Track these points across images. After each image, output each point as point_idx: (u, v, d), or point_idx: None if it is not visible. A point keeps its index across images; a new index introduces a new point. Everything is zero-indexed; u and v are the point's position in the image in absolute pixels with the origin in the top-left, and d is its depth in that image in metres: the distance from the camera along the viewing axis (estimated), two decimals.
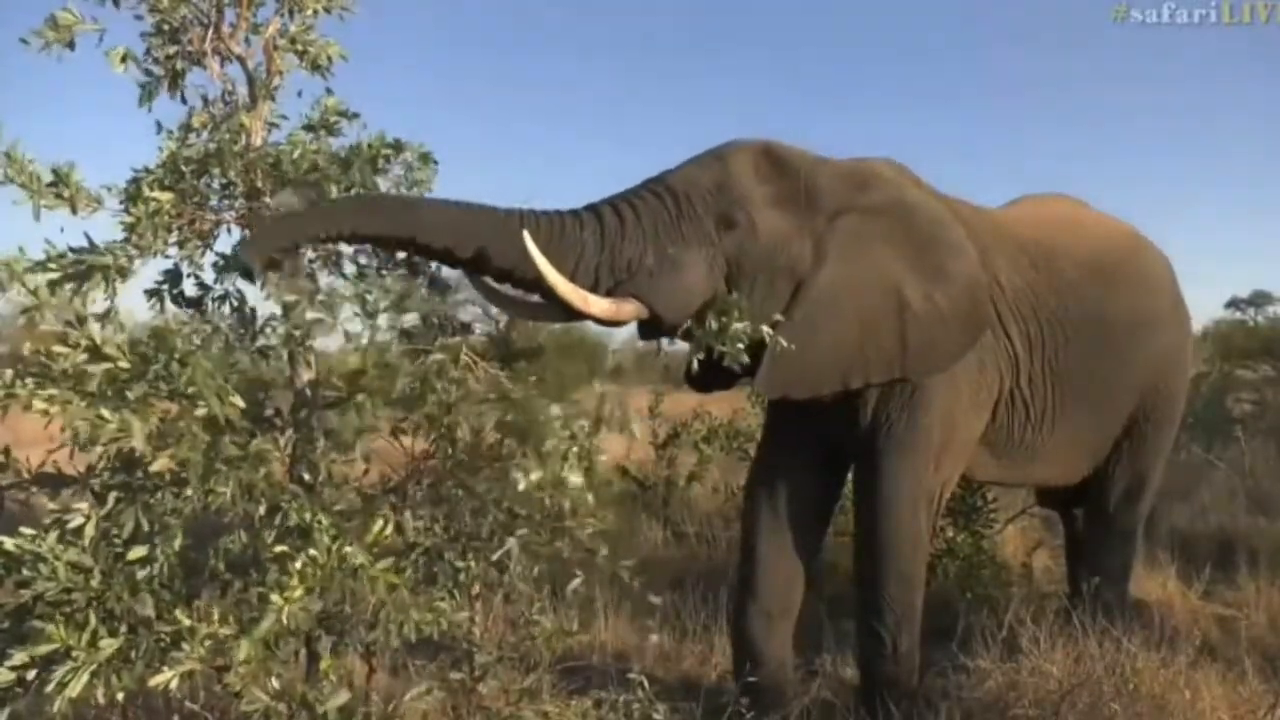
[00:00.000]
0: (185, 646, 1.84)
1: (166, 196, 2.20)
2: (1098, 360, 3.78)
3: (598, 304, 2.75)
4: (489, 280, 2.78)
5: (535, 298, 2.82)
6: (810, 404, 3.25)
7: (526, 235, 2.58)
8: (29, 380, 1.88)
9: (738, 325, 2.73)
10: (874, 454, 3.32)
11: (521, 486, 2.05)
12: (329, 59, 2.44)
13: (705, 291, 2.90)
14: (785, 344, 2.83)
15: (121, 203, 2.23)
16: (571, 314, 2.78)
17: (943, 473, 3.43)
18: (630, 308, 2.81)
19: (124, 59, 2.25)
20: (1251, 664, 3.10)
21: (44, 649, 1.82)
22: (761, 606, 3.46)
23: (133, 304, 2.69)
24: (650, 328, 2.95)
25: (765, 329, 2.80)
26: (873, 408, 3.32)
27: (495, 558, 2.25)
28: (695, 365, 2.83)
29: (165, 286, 2.35)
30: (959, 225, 3.33)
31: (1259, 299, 23.51)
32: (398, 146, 2.49)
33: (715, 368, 2.87)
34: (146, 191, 2.18)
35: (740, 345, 2.72)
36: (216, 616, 1.90)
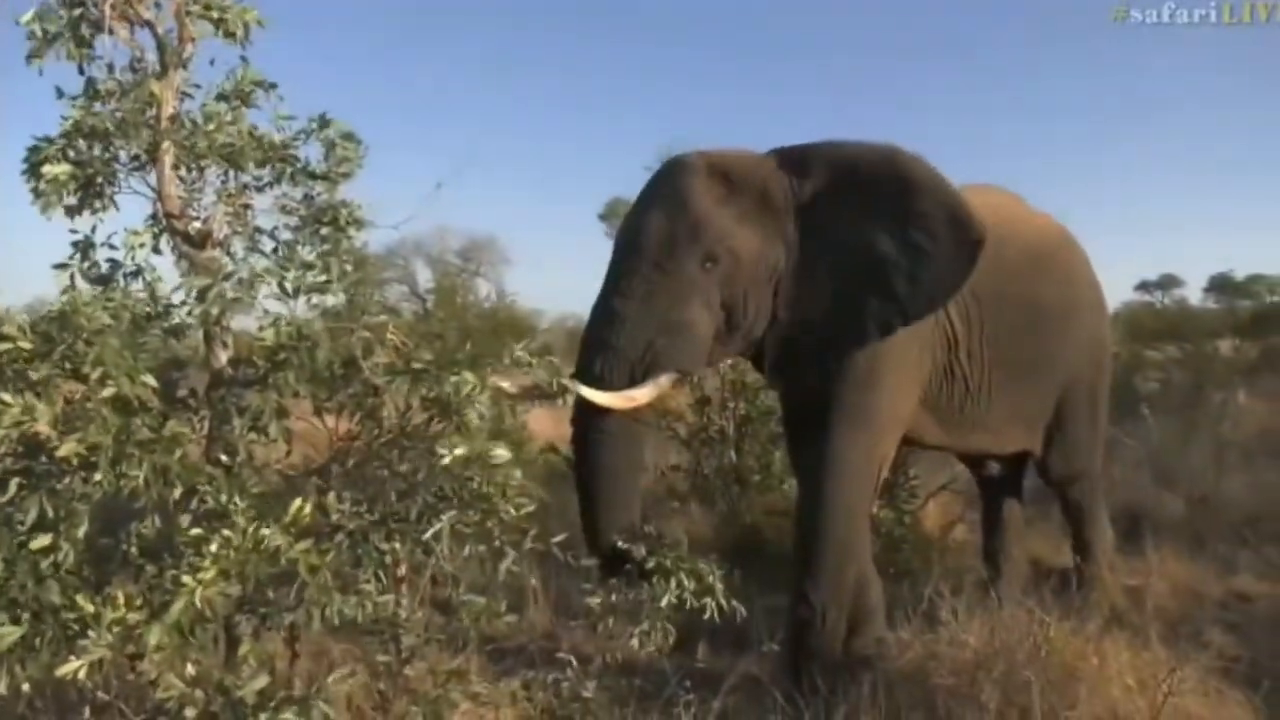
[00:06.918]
0: (92, 634, 1.78)
1: (63, 169, 2.10)
2: (1030, 341, 4.03)
3: (642, 397, 3.09)
4: None
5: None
6: (777, 383, 3.55)
7: (579, 385, 2.93)
8: None
9: None
10: (825, 427, 3.44)
11: (446, 462, 2.02)
12: (245, 26, 2.34)
13: (712, 329, 3.23)
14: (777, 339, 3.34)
15: (24, 173, 2.12)
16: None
17: (885, 446, 3.57)
18: (665, 379, 3.15)
19: (36, 20, 2.13)
20: (1155, 631, 3.23)
21: None
22: None
23: (35, 279, 2.56)
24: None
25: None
26: (825, 383, 3.43)
27: (424, 539, 2.22)
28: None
29: (75, 260, 2.24)
30: (921, 160, 3.41)
31: (1167, 282, 24.41)
32: (323, 123, 2.41)
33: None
34: (47, 168, 2.09)
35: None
36: (123, 601, 1.83)
